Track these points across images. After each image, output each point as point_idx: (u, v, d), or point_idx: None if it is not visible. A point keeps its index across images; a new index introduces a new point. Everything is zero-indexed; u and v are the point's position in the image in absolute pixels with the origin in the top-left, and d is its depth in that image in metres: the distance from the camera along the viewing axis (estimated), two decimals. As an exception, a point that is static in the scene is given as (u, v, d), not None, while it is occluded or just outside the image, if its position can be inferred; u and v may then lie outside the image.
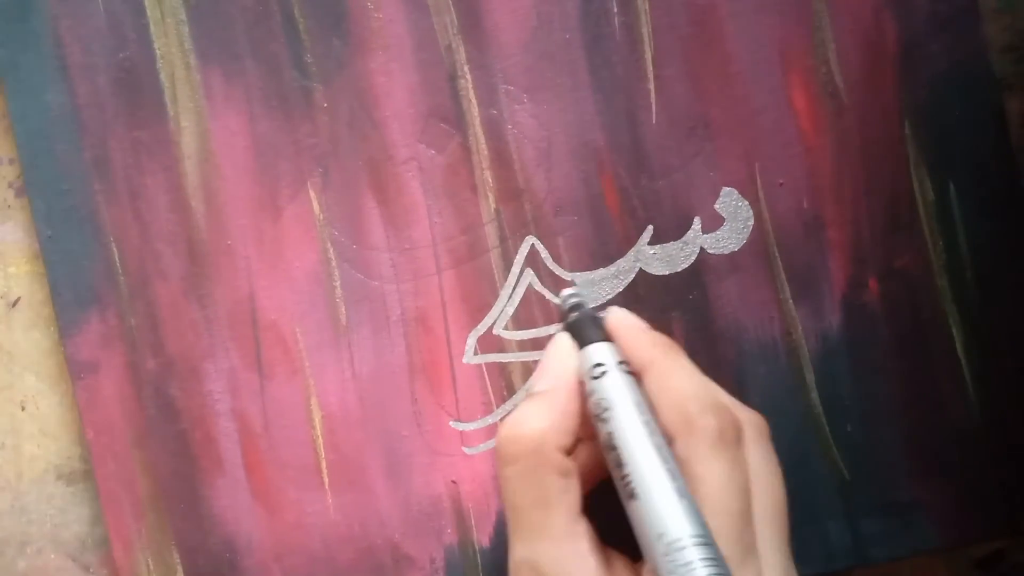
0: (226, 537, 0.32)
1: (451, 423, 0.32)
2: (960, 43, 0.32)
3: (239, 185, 0.32)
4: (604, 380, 0.27)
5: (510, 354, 0.32)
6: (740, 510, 0.25)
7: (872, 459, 0.32)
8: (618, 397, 0.26)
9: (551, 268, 0.32)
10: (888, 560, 0.32)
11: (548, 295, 0.32)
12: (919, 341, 0.33)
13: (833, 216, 0.32)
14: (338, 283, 0.32)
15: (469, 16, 0.32)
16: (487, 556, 0.32)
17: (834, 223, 0.32)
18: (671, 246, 0.33)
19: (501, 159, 0.32)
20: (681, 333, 0.32)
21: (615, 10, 0.32)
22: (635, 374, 0.27)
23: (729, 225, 0.33)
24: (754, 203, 0.32)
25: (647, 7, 0.32)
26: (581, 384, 0.28)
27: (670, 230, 0.32)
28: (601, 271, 0.32)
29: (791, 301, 0.33)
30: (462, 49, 0.32)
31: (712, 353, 0.32)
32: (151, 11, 0.32)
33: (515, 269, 0.32)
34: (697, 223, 0.33)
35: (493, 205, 0.33)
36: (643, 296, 0.32)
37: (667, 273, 0.33)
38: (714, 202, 0.33)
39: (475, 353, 0.32)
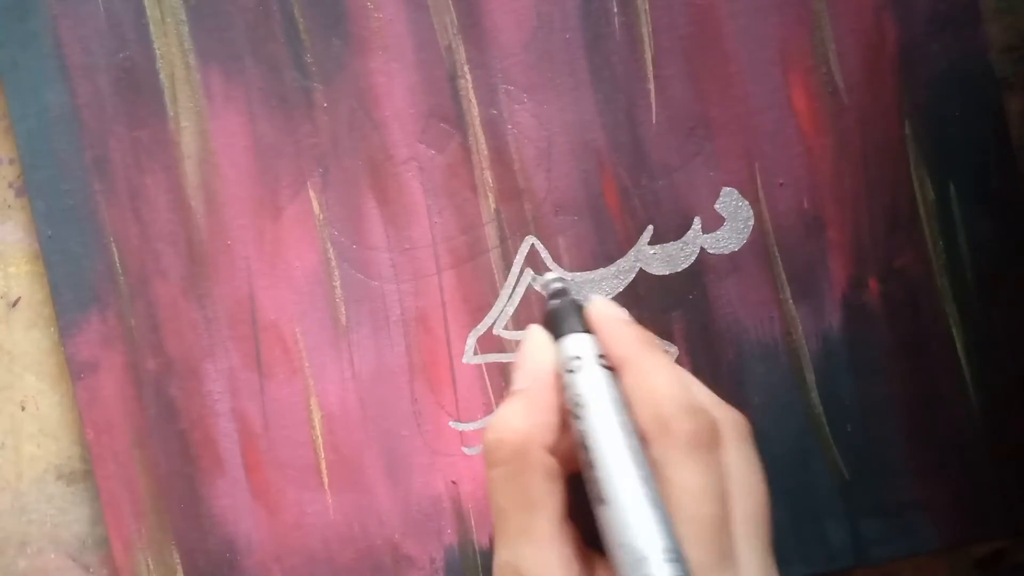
0: (226, 537, 0.32)
1: (451, 423, 0.32)
2: (960, 43, 0.32)
3: (239, 185, 0.32)
4: (580, 375, 0.26)
5: (510, 354, 0.32)
6: (714, 515, 0.25)
7: (872, 459, 0.32)
8: (593, 394, 0.25)
9: (551, 268, 0.32)
10: (888, 560, 0.32)
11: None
12: (919, 341, 0.33)
13: (833, 216, 0.32)
14: (338, 283, 0.32)
15: (469, 16, 0.32)
16: (487, 556, 0.32)
17: (834, 223, 0.32)
18: (671, 246, 0.33)
19: (501, 159, 0.32)
20: (681, 333, 0.32)
21: (615, 10, 0.32)
22: (613, 369, 0.27)
23: (729, 225, 0.33)
24: (754, 203, 0.32)
25: (647, 7, 0.32)
26: (558, 377, 0.27)
27: (670, 230, 0.32)
28: (601, 271, 0.32)
29: (791, 301, 0.33)
30: (462, 49, 0.32)
31: (712, 353, 0.32)
32: (151, 11, 0.32)
33: (515, 269, 0.32)
34: (697, 223, 0.32)
35: (493, 205, 0.33)
36: (643, 296, 0.32)
37: (667, 273, 0.33)
38: (714, 202, 0.33)
39: (475, 353, 0.32)
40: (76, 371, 0.32)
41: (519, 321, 0.32)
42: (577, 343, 0.27)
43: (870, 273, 0.33)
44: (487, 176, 0.33)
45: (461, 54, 0.32)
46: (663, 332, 0.32)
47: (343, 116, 0.32)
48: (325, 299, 0.32)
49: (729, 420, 0.27)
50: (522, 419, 0.26)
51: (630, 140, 0.32)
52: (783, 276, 0.33)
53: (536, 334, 0.28)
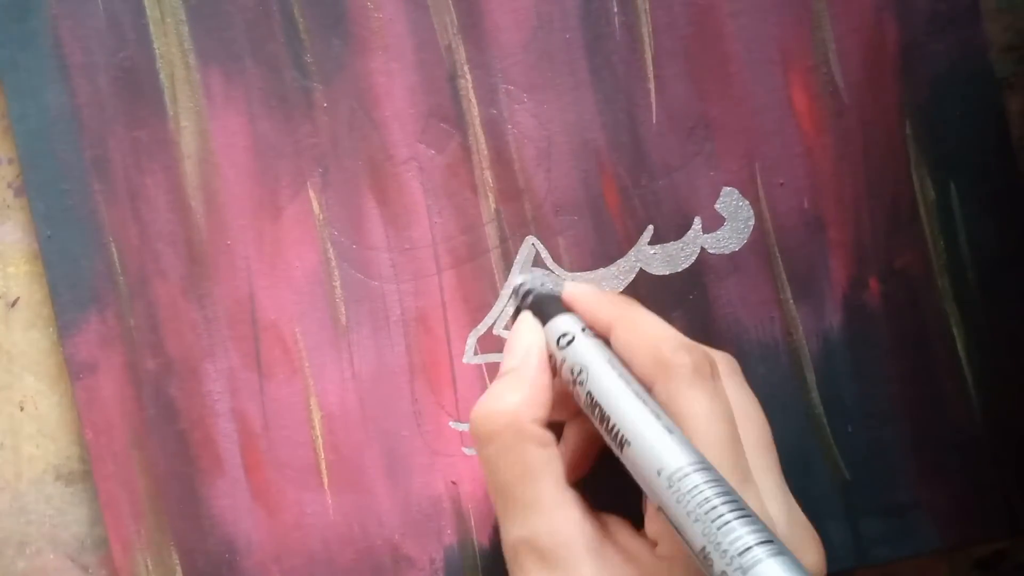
0: (225, 538, 0.32)
1: (451, 423, 0.32)
2: (961, 43, 0.32)
3: (239, 185, 0.32)
4: (573, 346, 0.27)
5: (510, 354, 0.32)
6: (730, 436, 0.25)
7: (873, 459, 0.32)
8: (589, 358, 0.27)
9: (551, 268, 0.32)
10: (889, 560, 0.32)
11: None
12: (920, 341, 0.33)
13: (834, 216, 0.32)
14: (338, 283, 0.32)
15: (469, 16, 0.32)
16: (487, 556, 0.32)
17: (835, 223, 0.32)
18: (671, 246, 0.32)
19: (501, 159, 0.32)
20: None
21: (615, 10, 0.32)
22: (601, 336, 0.28)
23: (729, 225, 0.33)
24: (755, 203, 0.32)
25: (647, 7, 0.32)
26: (550, 359, 0.28)
27: (670, 230, 0.32)
28: (601, 271, 0.32)
29: (792, 301, 0.33)
30: (462, 49, 0.32)
31: (712, 353, 0.32)
32: (151, 11, 0.32)
33: (515, 269, 0.32)
34: (697, 223, 0.32)
35: (493, 205, 0.32)
36: (643, 296, 0.32)
37: (667, 273, 0.32)
38: (714, 202, 0.32)
39: (475, 353, 0.32)
40: (75, 371, 0.32)
41: (519, 321, 0.32)
42: (563, 322, 0.28)
43: (871, 273, 0.32)
44: (487, 176, 0.32)
45: (461, 54, 0.32)
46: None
47: (343, 116, 0.32)
48: (325, 299, 0.32)
49: (720, 356, 0.29)
50: (511, 394, 0.27)
51: (630, 140, 0.32)
52: (783, 276, 0.32)
53: (524, 319, 0.29)
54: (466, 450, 0.32)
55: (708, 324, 0.32)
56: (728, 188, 0.32)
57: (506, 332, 0.32)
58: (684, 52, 0.32)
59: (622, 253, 0.32)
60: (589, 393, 0.26)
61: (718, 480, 0.23)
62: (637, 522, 0.27)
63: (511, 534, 0.26)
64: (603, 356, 0.27)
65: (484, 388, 0.32)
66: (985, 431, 0.32)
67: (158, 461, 0.32)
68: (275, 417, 0.32)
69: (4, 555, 0.33)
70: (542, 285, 0.31)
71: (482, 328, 0.32)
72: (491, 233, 0.32)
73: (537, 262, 0.32)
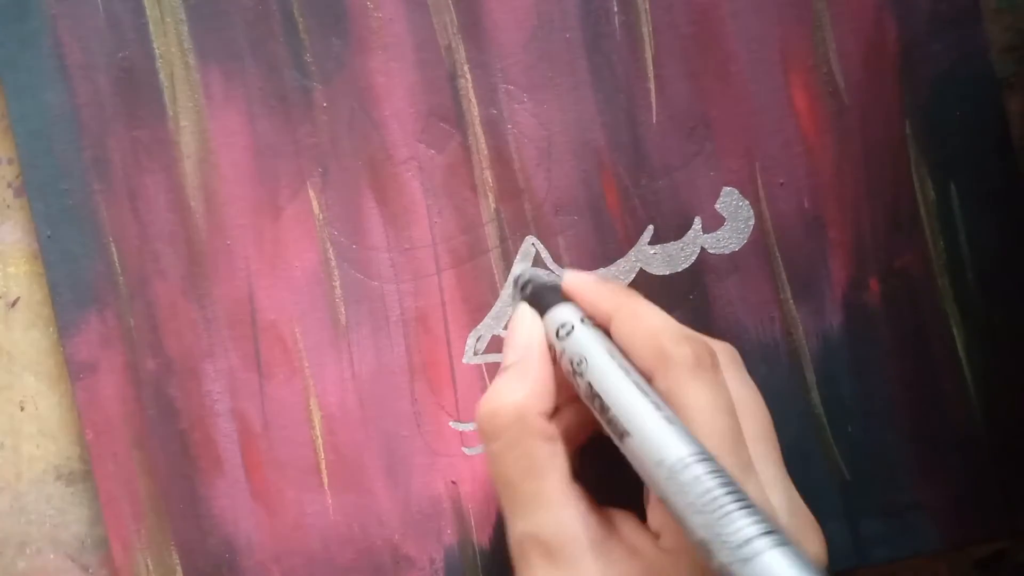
0: (225, 537, 0.32)
1: (451, 423, 0.32)
2: (961, 43, 0.32)
3: (238, 185, 0.32)
4: (573, 336, 0.27)
5: (510, 354, 0.32)
6: (731, 428, 0.25)
7: (873, 459, 0.32)
8: (589, 348, 0.27)
9: (551, 268, 0.32)
10: (888, 561, 0.32)
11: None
12: (920, 341, 0.33)
13: (834, 216, 0.32)
14: (338, 283, 0.32)
15: (469, 15, 0.32)
16: (487, 557, 0.32)
17: (835, 223, 0.32)
18: (671, 246, 0.32)
19: (501, 159, 0.32)
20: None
21: (615, 10, 0.32)
22: (601, 327, 0.28)
23: (730, 225, 0.32)
24: (755, 203, 0.32)
25: (647, 7, 0.32)
26: (551, 349, 0.28)
27: (670, 230, 0.32)
28: (601, 271, 0.32)
29: (792, 301, 0.33)
30: (462, 49, 0.32)
31: (712, 353, 0.32)
32: (150, 11, 0.32)
33: (515, 269, 0.32)
34: (697, 223, 0.32)
35: (493, 205, 0.32)
36: (643, 296, 0.32)
37: (667, 273, 0.32)
38: (714, 202, 0.32)
39: (475, 353, 0.32)
40: (75, 371, 0.32)
41: (519, 321, 0.32)
42: (562, 312, 0.28)
43: (871, 273, 0.32)
44: (487, 176, 0.32)
45: (461, 54, 0.32)
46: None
47: (343, 116, 0.32)
48: (325, 299, 0.32)
49: (721, 347, 0.29)
50: (516, 389, 0.27)
51: (630, 140, 0.32)
52: (783, 276, 0.32)
53: (523, 311, 0.29)
54: (466, 450, 0.32)
55: (708, 324, 0.32)
56: (728, 188, 0.32)
57: (506, 332, 0.32)
58: (684, 52, 0.32)
59: (622, 253, 0.32)
60: (589, 384, 0.26)
61: (719, 471, 0.23)
62: (640, 515, 0.27)
63: (517, 529, 0.27)
64: (603, 346, 0.27)
65: (484, 388, 0.32)
66: (985, 431, 0.32)
67: (158, 461, 0.32)
68: (275, 417, 0.32)
69: (4, 555, 0.33)
70: (541, 275, 0.30)
71: (482, 328, 0.32)
72: (491, 233, 0.32)
73: (537, 262, 0.32)
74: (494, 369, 0.32)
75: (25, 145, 0.32)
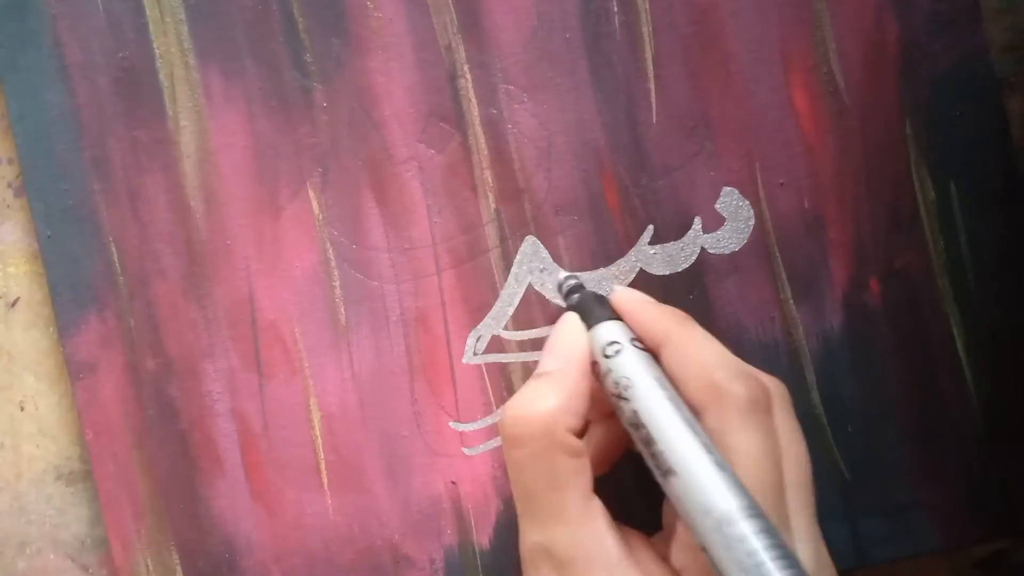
0: (225, 537, 0.32)
1: (451, 424, 0.32)
2: (961, 43, 0.32)
3: (238, 185, 0.32)
4: (620, 357, 0.26)
5: (510, 354, 0.32)
6: (774, 481, 0.25)
7: (873, 459, 0.32)
8: (638, 373, 0.26)
9: (551, 268, 0.32)
10: (889, 561, 0.32)
11: (548, 295, 0.32)
12: (920, 341, 0.32)
13: (834, 216, 0.32)
14: (338, 283, 0.32)
15: (469, 15, 0.32)
16: (487, 557, 0.32)
17: (835, 223, 0.32)
18: (671, 246, 0.32)
19: (501, 159, 0.32)
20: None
21: (615, 9, 0.32)
22: (650, 351, 0.27)
23: (730, 225, 0.32)
24: (755, 203, 0.32)
25: (647, 7, 0.32)
26: (593, 364, 0.27)
27: (670, 230, 0.32)
28: (601, 271, 0.32)
29: (792, 301, 0.32)
30: (462, 49, 0.32)
31: (712, 353, 0.32)
32: (150, 10, 0.32)
33: (515, 269, 0.32)
34: (698, 223, 0.32)
35: (493, 205, 0.32)
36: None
37: (667, 273, 0.32)
38: (715, 202, 0.32)
39: (475, 353, 0.32)
40: (75, 371, 0.32)
41: (519, 321, 0.32)
42: (611, 329, 0.27)
43: (871, 273, 0.32)
44: (487, 176, 0.32)
45: (461, 54, 0.32)
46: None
47: (343, 116, 0.32)
48: (325, 299, 0.32)
49: (773, 384, 0.27)
50: (549, 399, 0.26)
51: (630, 140, 0.32)
52: (784, 276, 0.32)
53: (570, 320, 0.28)
54: (466, 450, 0.32)
55: (708, 324, 0.32)
56: (728, 188, 0.32)
57: (506, 332, 0.32)
58: (684, 52, 0.32)
59: (622, 253, 0.32)
60: (635, 411, 0.25)
61: (768, 531, 0.23)
62: (649, 527, 0.27)
63: (530, 538, 0.26)
64: (652, 374, 0.26)
65: (484, 388, 0.32)
66: (985, 431, 0.32)
67: (158, 461, 0.32)
68: (275, 417, 0.32)
69: (4, 555, 0.33)
70: (587, 285, 0.29)
71: (482, 328, 0.32)
72: (491, 233, 0.32)
73: (536, 262, 0.32)
74: (494, 369, 0.32)
75: (25, 145, 0.32)
